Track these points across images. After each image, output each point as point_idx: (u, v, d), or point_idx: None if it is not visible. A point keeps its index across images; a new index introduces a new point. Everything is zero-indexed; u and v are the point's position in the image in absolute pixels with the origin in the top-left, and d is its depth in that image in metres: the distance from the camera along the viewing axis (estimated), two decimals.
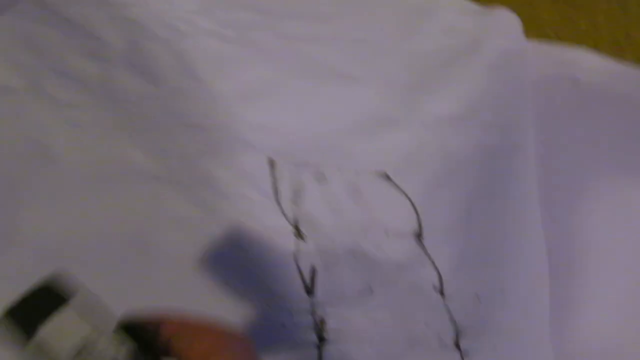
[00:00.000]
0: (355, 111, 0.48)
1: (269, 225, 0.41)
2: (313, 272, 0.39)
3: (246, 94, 0.47)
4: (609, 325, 0.42)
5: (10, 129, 0.39)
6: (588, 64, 0.59)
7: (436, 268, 0.41)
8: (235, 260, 0.38)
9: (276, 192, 0.42)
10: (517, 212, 0.45)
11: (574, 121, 0.54)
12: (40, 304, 0.24)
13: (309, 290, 0.39)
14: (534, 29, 0.61)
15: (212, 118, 0.45)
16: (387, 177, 0.45)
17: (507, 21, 0.58)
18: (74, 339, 0.24)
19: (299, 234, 0.41)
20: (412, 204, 0.44)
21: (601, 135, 0.54)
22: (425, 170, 0.46)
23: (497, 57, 0.54)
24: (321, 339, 0.37)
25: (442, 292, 0.40)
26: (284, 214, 0.42)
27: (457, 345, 0.38)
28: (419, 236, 0.43)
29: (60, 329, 0.24)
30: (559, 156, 0.50)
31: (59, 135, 0.40)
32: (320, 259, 0.40)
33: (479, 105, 0.50)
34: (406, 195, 0.44)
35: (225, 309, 0.36)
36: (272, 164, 0.44)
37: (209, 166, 0.42)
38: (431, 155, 0.47)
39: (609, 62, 0.60)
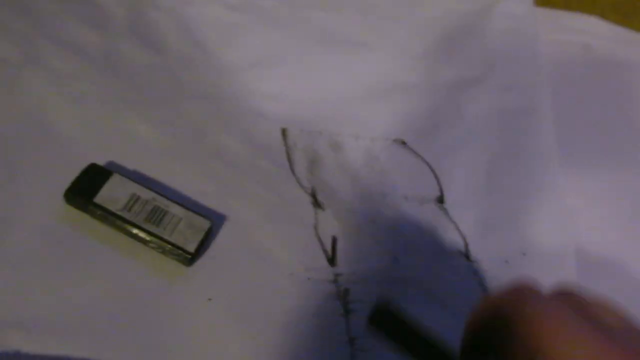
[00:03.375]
0: (368, 78, 0.47)
1: (287, 196, 0.39)
2: (334, 242, 0.38)
3: (254, 63, 0.45)
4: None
5: (8, 104, 0.37)
6: (598, 30, 0.57)
7: (461, 233, 0.40)
8: None
9: (291, 161, 0.41)
10: (537, 172, 0.43)
11: (586, 86, 0.52)
12: (93, 178, 0.35)
13: (331, 260, 0.37)
14: None
15: (220, 88, 0.43)
16: (404, 144, 0.44)
17: None
18: (127, 193, 0.34)
19: (317, 203, 0.39)
20: (432, 169, 0.42)
21: (610, 101, 0.52)
22: (442, 135, 0.45)
23: (508, 21, 0.52)
24: (347, 310, 0.35)
25: (468, 257, 0.39)
26: (300, 184, 0.40)
27: None
28: (440, 201, 0.41)
29: (113, 190, 0.34)
30: (572, 121, 0.48)
31: (60, 109, 0.38)
32: (341, 228, 0.38)
33: (493, 68, 0.49)
34: (425, 161, 0.43)
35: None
36: (284, 133, 0.42)
37: (219, 138, 0.40)
38: (447, 120, 0.45)
39: (618, 29, 0.58)
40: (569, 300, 0.21)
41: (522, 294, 0.20)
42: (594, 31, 0.57)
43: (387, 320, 0.28)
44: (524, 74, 0.50)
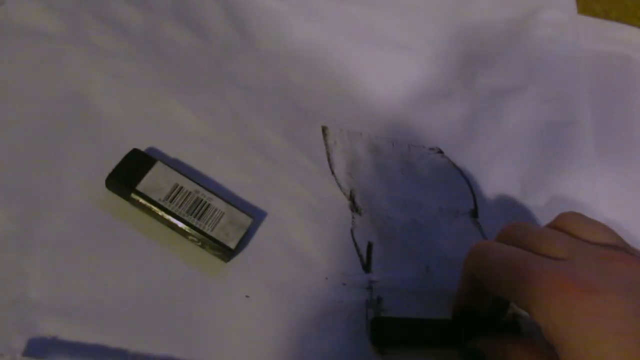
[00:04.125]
0: (407, 81, 0.46)
1: (325, 197, 0.39)
2: (369, 248, 0.38)
3: (296, 57, 0.44)
4: None
5: (49, 78, 0.36)
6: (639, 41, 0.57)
7: None
8: None
9: (330, 161, 0.40)
10: (573, 188, 0.43)
11: (625, 99, 0.52)
12: (135, 165, 0.34)
13: (365, 266, 0.37)
14: (580, 4, 0.59)
15: (261, 80, 0.42)
16: (441, 152, 0.43)
17: None
18: (170, 184, 0.34)
19: (354, 207, 0.39)
20: (467, 181, 0.42)
21: None
22: (480, 145, 0.44)
23: (551, 30, 0.51)
24: (378, 314, 0.35)
25: None
26: (339, 185, 0.40)
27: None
28: (474, 215, 0.41)
29: (156, 179, 0.34)
30: (611, 134, 0.48)
31: (101, 87, 0.37)
32: (377, 235, 0.38)
33: (534, 78, 0.48)
34: (461, 172, 0.43)
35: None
36: (325, 131, 0.42)
37: (260, 130, 0.40)
38: (485, 130, 0.45)
39: None
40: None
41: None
42: (635, 42, 0.56)
43: (386, 334, 0.34)
44: (565, 86, 0.49)
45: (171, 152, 0.36)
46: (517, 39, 0.51)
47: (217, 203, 0.35)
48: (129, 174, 0.34)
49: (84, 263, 0.31)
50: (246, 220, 0.35)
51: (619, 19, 0.60)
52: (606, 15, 0.60)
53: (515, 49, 0.50)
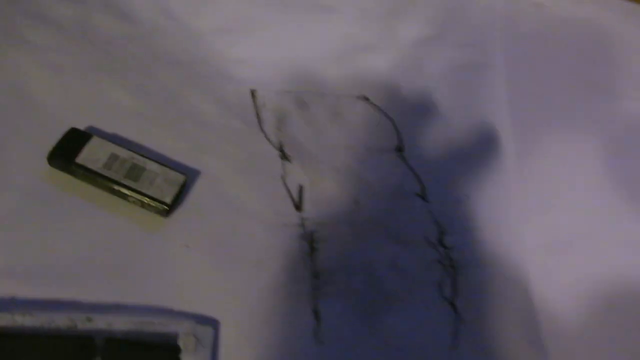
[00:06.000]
0: (332, 40, 0.49)
1: (256, 151, 0.42)
2: (300, 190, 0.41)
3: (223, 30, 0.47)
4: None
5: None
6: None
7: (418, 177, 0.43)
8: None
9: (260, 120, 0.44)
10: (487, 121, 0.46)
11: (538, 43, 0.55)
12: (73, 141, 0.38)
13: (298, 206, 0.40)
14: None
15: (191, 54, 0.46)
16: (366, 99, 0.47)
17: None
18: (106, 154, 0.38)
19: (284, 156, 0.42)
20: (392, 121, 0.45)
21: (562, 57, 0.55)
22: (403, 90, 0.47)
23: None
24: (312, 249, 0.39)
25: (424, 198, 0.42)
26: (269, 140, 0.43)
27: (441, 243, 0.40)
28: (400, 150, 0.44)
29: (93, 151, 0.38)
30: (524, 76, 0.51)
31: (39, 78, 0.41)
32: (307, 178, 0.42)
33: (449, 27, 0.51)
34: (386, 114, 0.46)
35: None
36: (253, 94, 0.45)
37: (192, 100, 0.43)
38: (407, 76, 0.48)
39: None
40: None
41: None
42: None
43: None
44: (480, 32, 0.52)
45: (108, 128, 0.40)
46: None
47: (152, 166, 0.38)
48: (68, 149, 0.38)
49: (34, 231, 0.35)
50: (179, 178, 0.38)
51: None
52: None
53: (431, 1, 0.53)
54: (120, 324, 0.33)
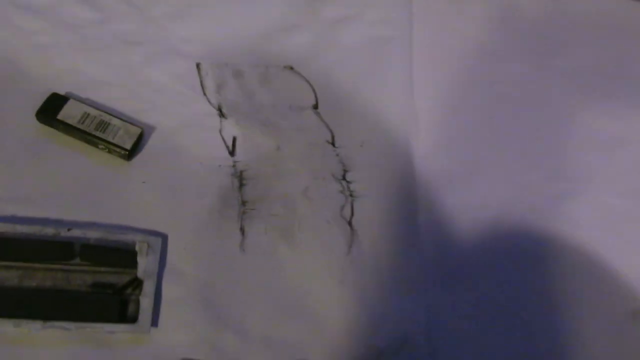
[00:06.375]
0: (264, 21, 0.60)
1: (198, 111, 0.54)
2: (234, 140, 0.53)
3: (174, 15, 0.58)
4: None
5: None
6: None
7: (329, 128, 0.54)
8: None
9: (203, 86, 0.55)
10: (391, 82, 0.58)
11: (448, 20, 0.65)
12: (54, 103, 0.49)
13: (231, 152, 0.52)
14: None
15: (148, 36, 0.57)
16: (292, 69, 0.58)
17: None
18: (80, 112, 0.49)
19: (222, 114, 0.54)
20: (311, 85, 0.57)
21: (473, 29, 0.66)
22: (322, 60, 0.59)
23: None
24: (241, 184, 0.50)
25: (333, 144, 0.54)
26: (210, 102, 0.54)
27: (344, 178, 0.52)
28: (315, 107, 0.56)
29: (70, 110, 0.49)
30: (441, 52, 0.62)
31: (26, 55, 0.52)
32: (240, 131, 0.53)
33: (364, 6, 0.62)
34: (306, 80, 0.57)
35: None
36: (198, 67, 0.56)
37: (149, 72, 0.55)
38: (326, 49, 0.59)
39: None
40: None
41: None
42: None
43: None
44: (394, 9, 0.63)
45: (82, 93, 0.52)
46: None
47: (115, 122, 0.50)
48: (51, 109, 0.49)
49: (29, 169, 0.47)
50: (137, 130, 0.50)
51: None
52: None
53: None
54: (93, 234, 0.45)
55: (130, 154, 0.49)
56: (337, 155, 0.54)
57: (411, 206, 0.53)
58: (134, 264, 0.44)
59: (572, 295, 0.53)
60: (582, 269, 0.54)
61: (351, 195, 0.52)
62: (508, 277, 0.52)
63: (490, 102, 0.61)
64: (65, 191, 0.47)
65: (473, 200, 0.55)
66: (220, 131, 0.53)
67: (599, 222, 0.56)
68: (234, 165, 0.51)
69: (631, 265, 0.54)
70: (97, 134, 0.49)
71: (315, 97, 0.56)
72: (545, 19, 0.68)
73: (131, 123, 0.50)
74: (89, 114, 0.50)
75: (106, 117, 0.50)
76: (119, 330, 0.42)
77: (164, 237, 0.47)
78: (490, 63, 0.63)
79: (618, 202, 0.57)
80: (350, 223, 0.51)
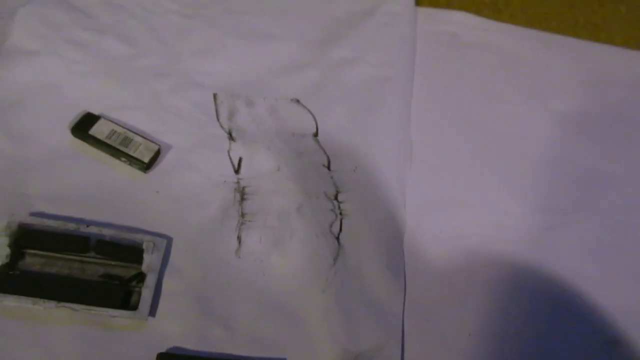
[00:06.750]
0: (277, 59, 0.68)
1: (212, 134, 0.61)
2: (239, 160, 0.59)
3: (199, 52, 0.67)
4: None
5: (38, 81, 0.60)
6: (466, 22, 0.76)
7: (326, 153, 0.60)
8: None
9: (217, 113, 0.62)
10: (391, 118, 0.64)
11: (451, 65, 0.72)
12: (88, 120, 0.58)
13: (236, 170, 0.58)
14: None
15: (173, 69, 0.65)
16: (298, 101, 0.64)
17: None
18: (108, 129, 0.57)
19: (231, 137, 0.61)
20: (313, 116, 0.63)
21: (473, 73, 0.72)
22: (326, 95, 0.65)
23: (387, 17, 0.72)
24: (243, 198, 0.56)
25: (329, 168, 0.59)
26: (222, 126, 0.61)
27: (336, 198, 0.57)
28: (316, 135, 0.62)
29: (100, 128, 0.57)
30: (433, 88, 0.68)
31: (68, 80, 0.61)
32: (246, 153, 0.60)
33: (371, 50, 0.69)
34: (309, 111, 0.64)
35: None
36: (215, 96, 0.64)
37: (171, 99, 0.62)
38: (330, 85, 0.66)
39: (486, 21, 0.77)
40: None
41: None
42: (462, 22, 0.76)
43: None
44: (396, 54, 0.70)
45: (111, 114, 0.60)
46: (362, 24, 0.72)
47: (138, 139, 0.57)
48: (84, 125, 0.57)
49: (62, 176, 0.55)
50: (155, 147, 0.57)
51: (460, 8, 0.79)
52: (448, 5, 0.80)
53: (360, 31, 0.71)
54: (108, 231, 0.51)
55: (147, 166, 0.56)
56: (332, 177, 0.59)
57: (396, 228, 0.57)
58: (140, 260, 0.50)
59: (551, 324, 0.55)
60: (562, 299, 0.57)
61: (341, 214, 0.57)
62: (484, 304, 0.55)
63: (482, 138, 0.66)
64: (89, 194, 0.54)
65: (456, 228, 0.59)
66: (228, 151, 0.60)
67: (579, 253, 0.59)
68: (237, 182, 0.58)
69: (609, 296, 0.57)
70: (121, 148, 0.56)
71: (316, 126, 0.63)
72: (543, 67, 0.73)
73: (151, 140, 0.57)
74: (115, 131, 0.57)
75: (130, 135, 0.57)
76: (120, 316, 0.47)
77: (169, 239, 0.53)
78: (486, 103, 0.69)
79: (599, 234, 0.60)
80: (337, 238, 0.55)
